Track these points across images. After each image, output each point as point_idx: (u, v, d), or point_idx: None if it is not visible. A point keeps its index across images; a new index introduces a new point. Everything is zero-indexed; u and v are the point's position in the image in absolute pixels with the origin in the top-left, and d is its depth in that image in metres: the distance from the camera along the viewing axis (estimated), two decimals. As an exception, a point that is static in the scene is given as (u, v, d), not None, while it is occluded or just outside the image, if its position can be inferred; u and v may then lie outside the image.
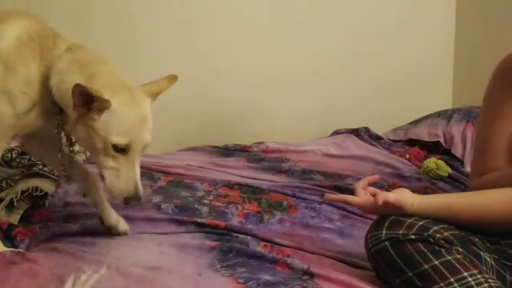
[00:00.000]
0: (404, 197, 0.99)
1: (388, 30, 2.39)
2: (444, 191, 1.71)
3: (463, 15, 2.51)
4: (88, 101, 1.00)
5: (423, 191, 1.72)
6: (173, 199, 1.46)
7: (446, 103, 2.52)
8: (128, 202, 1.04)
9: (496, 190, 1.01)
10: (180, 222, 1.25)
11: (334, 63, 2.31)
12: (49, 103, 1.08)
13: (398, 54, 2.42)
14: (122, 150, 1.03)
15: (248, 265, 1.05)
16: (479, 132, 1.19)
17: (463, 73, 2.52)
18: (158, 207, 1.36)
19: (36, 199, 1.34)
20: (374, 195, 1.01)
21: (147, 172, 1.68)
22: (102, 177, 1.06)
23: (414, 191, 1.70)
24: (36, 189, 1.32)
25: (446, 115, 2.19)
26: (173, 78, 1.14)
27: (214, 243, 1.13)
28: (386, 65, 2.41)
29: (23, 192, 1.30)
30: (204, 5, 2.11)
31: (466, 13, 2.49)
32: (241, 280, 0.99)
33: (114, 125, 1.01)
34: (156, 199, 1.47)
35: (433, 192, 1.71)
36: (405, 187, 1.76)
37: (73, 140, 1.13)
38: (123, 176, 1.04)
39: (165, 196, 1.48)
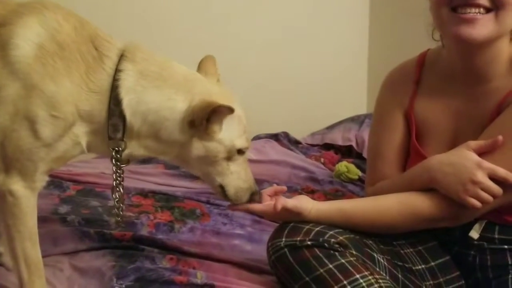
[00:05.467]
0: (301, 203, 1.02)
1: (307, 38, 2.47)
2: (354, 193, 1.79)
3: (376, 25, 2.66)
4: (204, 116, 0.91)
5: (335, 193, 1.80)
6: (82, 209, 1.41)
7: (361, 109, 2.66)
8: (253, 198, 1.03)
9: (388, 196, 1.06)
10: (84, 237, 1.20)
11: (254, 69, 2.35)
12: (103, 126, 0.91)
13: (316, 61, 2.50)
14: (243, 151, 0.99)
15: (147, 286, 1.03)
16: (370, 142, 1.24)
17: (377, 80, 2.66)
18: (64, 219, 1.30)
19: None
20: None
21: (56, 181, 1.60)
22: (221, 187, 1.01)
23: (326, 193, 1.81)
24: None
25: (358, 120, 2.30)
26: (212, 59, 1.07)
27: (114, 263, 1.10)
28: (305, 72, 2.48)
29: None
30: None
31: (378, 24, 2.65)
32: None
33: (235, 129, 0.97)
34: (63, 209, 1.40)
35: (344, 194, 1.79)
36: (318, 190, 1.85)
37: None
38: (245, 175, 1.01)
39: (73, 206, 1.42)
